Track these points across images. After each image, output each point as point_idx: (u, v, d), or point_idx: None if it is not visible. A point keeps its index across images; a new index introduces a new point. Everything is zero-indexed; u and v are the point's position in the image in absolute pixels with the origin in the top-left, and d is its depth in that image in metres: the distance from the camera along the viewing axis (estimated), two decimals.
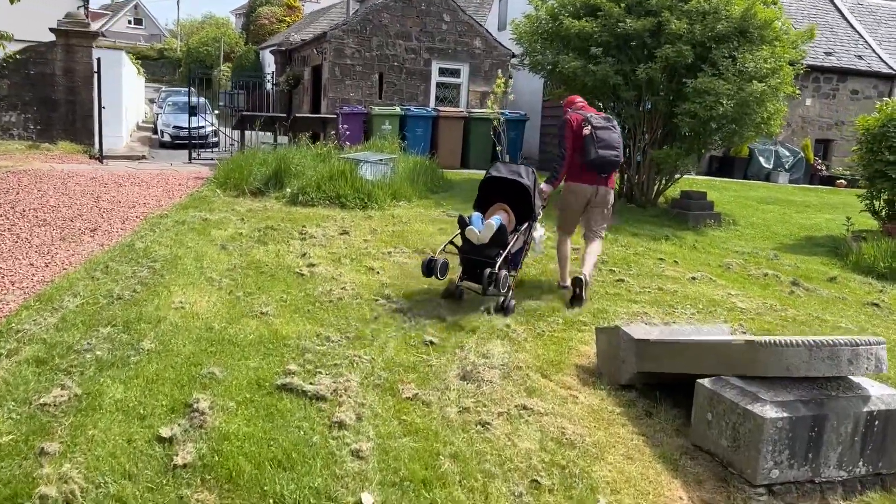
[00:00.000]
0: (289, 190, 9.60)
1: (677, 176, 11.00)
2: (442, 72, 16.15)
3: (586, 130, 6.02)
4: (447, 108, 15.50)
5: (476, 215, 5.80)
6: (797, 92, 10.86)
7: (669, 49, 9.71)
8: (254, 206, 9.26)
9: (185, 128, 16.53)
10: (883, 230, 9.36)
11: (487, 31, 17.12)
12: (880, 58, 19.52)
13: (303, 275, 6.20)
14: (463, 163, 15.48)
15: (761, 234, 10.24)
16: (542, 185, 6.17)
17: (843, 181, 17.79)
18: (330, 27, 16.07)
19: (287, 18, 41.95)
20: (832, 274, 8.09)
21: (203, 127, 18.18)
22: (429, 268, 5.51)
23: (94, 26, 48.29)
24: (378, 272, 6.50)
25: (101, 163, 14.27)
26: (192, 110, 16.93)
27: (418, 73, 15.85)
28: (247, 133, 14.56)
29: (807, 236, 10.36)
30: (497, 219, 5.62)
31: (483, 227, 5.53)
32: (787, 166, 17.49)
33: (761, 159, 17.30)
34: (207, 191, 10.23)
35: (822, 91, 18.53)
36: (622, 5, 10.20)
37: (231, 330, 4.75)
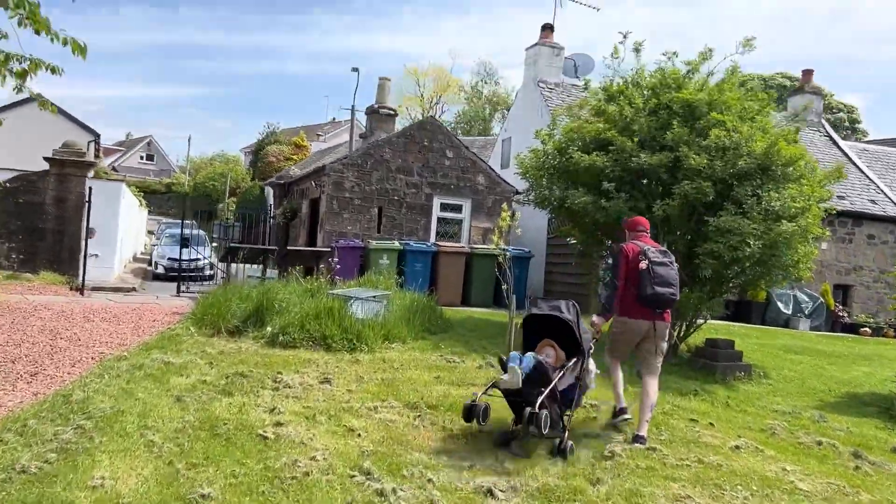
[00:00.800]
0: (269, 329, 8.61)
1: (699, 322, 10.03)
2: (443, 207, 15.62)
3: (643, 265, 5.86)
4: (448, 244, 14.83)
5: (514, 355, 5.48)
6: (827, 233, 10.10)
7: (688, 185, 9.04)
8: (228, 347, 8.22)
9: (183, 259, 15.83)
10: None
11: (490, 167, 16.77)
12: (893, 202, 19.10)
13: (266, 438, 5.07)
14: (464, 300, 14.57)
15: (798, 390, 9.10)
16: (594, 318, 5.98)
17: (867, 329, 16.78)
18: (330, 161, 15.72)
19: (294, 157, 42.70)
20: (894, 442, 6.91)
21: (197, 259, 17.50)
22: (470, 413, 5.24)
23: (107, 161, 49.14)
24: (359, 434, 5.38)
25: (82, 294, 13.39)
26: (185, 241, 16.28)
27: (419, 207, 15.31)
28: (240, 267, 13.78)
29: (848, 392, 9.21)
30: (529, 358, 5.40)
31: (508, 373, 5.26)
32: (806, 312, 16.55)
33: (780, 304, 16.40)
34: (181, 328, 9.23)
35: (838, 235, 17.93)
36: (635, 140, 9.64)
37: None
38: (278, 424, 5.39)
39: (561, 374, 5.45)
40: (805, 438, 6.64)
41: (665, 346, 6.20)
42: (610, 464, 5.28)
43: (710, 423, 6.78)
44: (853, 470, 5.83)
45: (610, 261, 6.38)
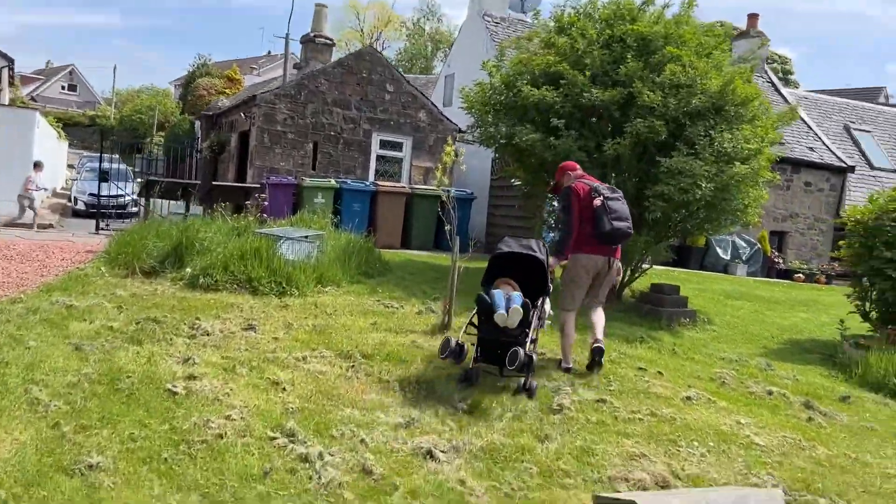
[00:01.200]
0: (189, 270, 7.87)
1: (644, 267, 9.73)
2: (383, 144, 14.86)
3: (597, 201, 5.88)
4: (388, 183, 14.14)
5: (498, 293, 5.36)
6: (777, 177, 9.87)
7: (641, 123, 8.58)
8: (142, 289, 7.47)
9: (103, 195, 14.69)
10: (887, 336, 8.17)
11: (433, 104, 16.02)
12: (830, 150, 19.25)
13: (175, 394, 4.46)
14: (404, 243, 14.01)
15: (742, 336, 8.95)
16: (550, 260, 5.90)
17: (801, 275, 17.01)
18: (262, 92, 14.69)
19: (227, 90, 40.66)
20: (841, 391, 6.76)
21: (121, 196, 16.34)
22: (468, 379, 5.25)
23: (24, 91, 45.97)
24: (284, 388, 4.82)
25: None
26: (104, 176, 15.11)
27: (357, 144, 14.51)
28: (165, 204, 12.80)
29: (790, 339, 9.11)
30: (518, 297, 5.31)
31: (511, 312, 5.13)
32: (744, 258, 16.62)
33: (718, 250, 16.40)
34: (91, 268, 8.39)
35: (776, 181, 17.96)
36: (587, 74, 9.09)
37: None
38: (191, 378, 4.77)
39: (537, 314, 5.47)
40: (755, 388, 6.40)
41: (617, 280, 6.14)
42: (558, 418, 4.89)
43: (659, 372, 6.46)
44: (806, 421, 5.60)
45: (561, 203, 6.28)
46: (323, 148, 14.21)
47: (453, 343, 5.30)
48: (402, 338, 6.49)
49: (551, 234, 12.07)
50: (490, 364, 5.36)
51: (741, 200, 8.81)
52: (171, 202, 11.79)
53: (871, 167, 20.55)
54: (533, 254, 5.62)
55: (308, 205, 13.19)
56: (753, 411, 5.68)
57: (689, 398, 5.71)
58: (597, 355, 5.96)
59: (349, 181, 13.67)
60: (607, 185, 6.41)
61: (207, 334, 5.92)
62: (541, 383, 5.55)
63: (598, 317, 6.22)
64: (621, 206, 5.96)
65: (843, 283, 17.88)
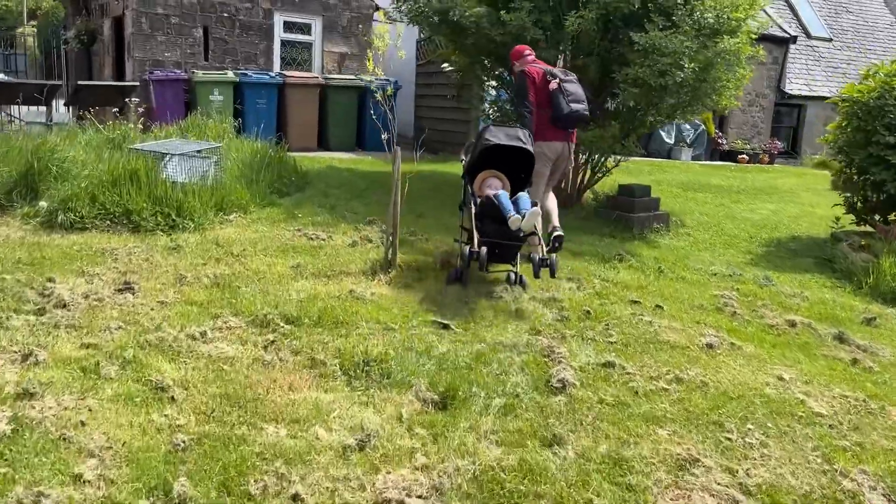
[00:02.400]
0: (44, 204, 6.00)
1: (611, 164, 8.37)
2: (288, 27, 12.62)
3: (553, 84, 5.86)
4: (297, 74, 12.07)
5: (503, 195, 5.13)
6: (761, 52, 8.51)
7: None
8: None
9: None
10: (887, 233, 7.20)
11: None
12: (772, 19, 18.06)
13: None
14: (321, 143, 12.18)
15: (721, 241, 7.85)
16: None
17: (745, 156, 16.16)
18: None
19: None
20: (859, 308, 5.76)
21: None
22: (459, 278, 5.17)
23: None
24: (174, 398, 3.29)
25: None
26: None
27: (256, 27, 12.25)
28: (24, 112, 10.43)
29: (771, 240, 8.09)
30: (527, 198, 5.18)
31: (529, 215, 4.93)
32: (688, 141, 15.57)
33: (663, 134, 15.26)
34: None
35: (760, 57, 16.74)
36: None
37: None
38: (25, 396, 3.16)
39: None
40: (771, 317, 5.29)
41: (569, 169, 6.25)
42: (563, 402, 3.58)
43: (658, 306, 5.24)
44: (851, 364, 4.52)
45: (516, 89, 6.35)
46: (215, 33, 11.91)
47: (456, 273, 5.16)
48: (336, 285, 4.98)
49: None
50: (499, 262, 5.18)
51: (726, 81, 7.44)
52: (32, 109, 9.51)
53: (809, 37, 19.61)
54: (525, 146, 5.28)
55: (203, 104, 11.08)
56: (787, 356, 4.55)
57: (709, 346, 4.51)
58: (556, 242, 5.75)
59: (250, 72, 11.55)
60: (560, 67, 6.35)
61: (64, 306, 4.24)
62: (524, 330, 4.22)
63: (552, 203, 6.15)
64: (577, 89, 5.89)
65: (785, 162, 17.24)
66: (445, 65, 10.75)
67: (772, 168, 15.51)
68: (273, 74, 11.84)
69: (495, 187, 5.28)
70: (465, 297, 4.97)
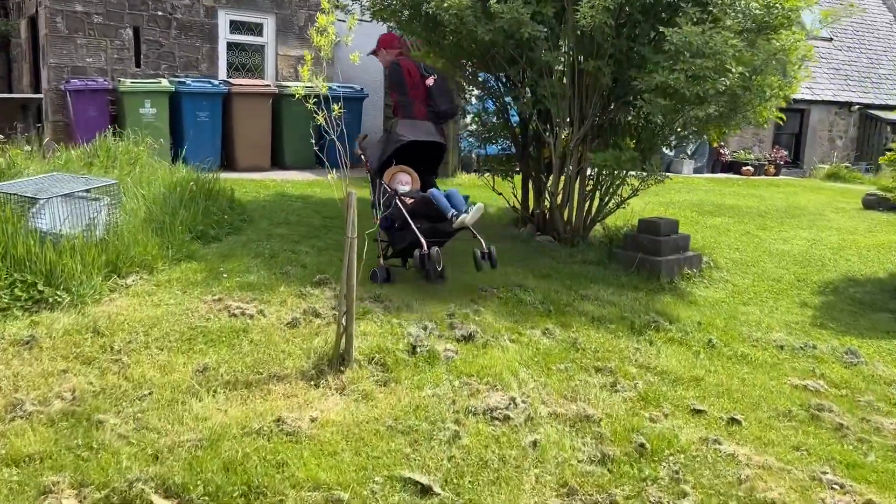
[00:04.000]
0: None
1: (627, 190, 6.74)
2: (235, 27, 10.87)
3: (430, 80, 5.96)
4: (246, 81, 10.34)
5: (438, 193, 5.08)
6: (812, 53, 6.95)
7: None
8: None
9: None
10: None
11: None
12: None
13: None
14: (275, 161, 10.45)
15: (765, 287, 6.29)
16: None
17: (750, 168, 14.71)
18: None
19: None
20: None
21: None
22: (386, 277, 5.07)
23: None
24: None
25: None
26: None
27: (198, 28, 10.48)
28: None
29: (824, 284, 6.54)
30: (456, 192, 5.19)
31: (475, 211, 4.90)
32: (689, 152, 14.08)
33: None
34: None
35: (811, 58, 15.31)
36: None
37: None
38: None
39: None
40: (889, 428, 3.71)
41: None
42: None
43: (733, 420, 3.63)
44: None
45: (391, 80, 6.33)
46: (148, 34, 10.11)
47: (382, 272, 5.02)
48: (259, 406, 3.29)
49: (476, 147, 8.89)
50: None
51: (776, 89, 5.88)
52: None
53: (808, 37, 18.26)
54: (437, 140, 5.32)
55: (132, 119, 9.31)
56: None
57: None
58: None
59: (189, 81, 9.78)
60: (423, 63, 6.43)
61: None
62: (550, 489, 2.59)
63: None
64: (446, 86, 6.05)
65: (789, 173, 15.83)
66: None
67: (780, 181, 14.06)
68: (216, 82, 10.09)
69: (405, 182, 5.25)
70: (453, 419, 3.32)
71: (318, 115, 3.86)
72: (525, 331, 4.52)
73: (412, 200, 5.00)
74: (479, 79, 7.53)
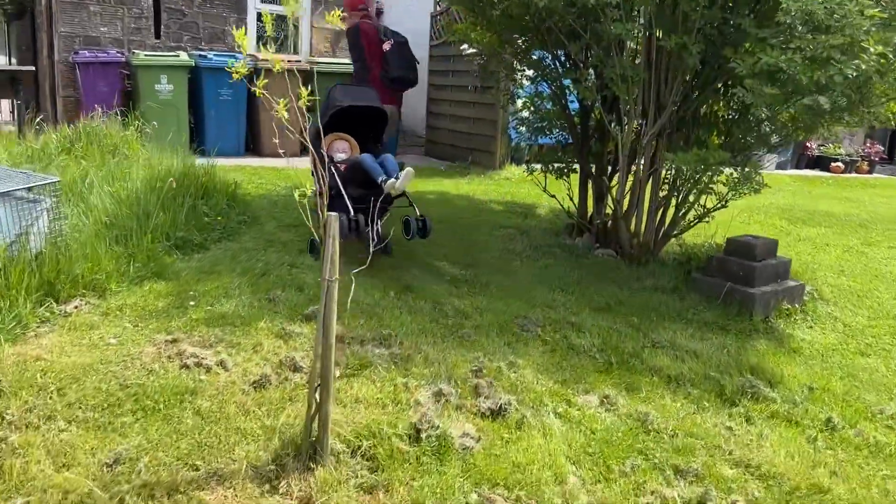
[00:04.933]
0: None
1: (713, 199, 5.44)
2: None
3: (387, 45, 5.93)
4: (277, 56, 9.33)
5: (368, 157, 4.83)
6: None
7: None
8: None
9: None
10: None
11: None
12: None
13: None
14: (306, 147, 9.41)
15: (886, 328, 4.94)
16: None
17: (840, 164, 13.06)
18: None
19: None
20: None
21: None
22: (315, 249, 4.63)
23: None
24: None
25: None
26: None
27: None
28: None
29: None
30: (392, 159, 4.90)
31: (404, 175, 4.60)
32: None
33: None
34: None
35: None
36: None
37: None
38: None
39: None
40: None
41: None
42: None
43: None
44: None
45: (349, 43, 6.12)
46: (170, 2, 9.16)
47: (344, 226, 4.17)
48: None
49: (520, 133, 7.63)
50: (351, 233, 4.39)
51: None
52: None
53: None
54: (376, 105, 5.09)
55: (146, 96, 8.41)
56: None
57: None
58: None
59: (211, 55, 8.81)
60: (390, 28, 6.36)
61: None
62: None
63: None
64: (407, 52, 5.90)
65: (887, 172, 14.06)
66: (465, 46, 7.90)
67: (876, 181, 12.40)
68: (241, 57, 9.07)
69: (342, 150, 5.12)
70: None
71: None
72: (577, 397, 3.35)
73: (344, 167, 4.84)
74: (533, 57, 6.31)
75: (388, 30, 6.14)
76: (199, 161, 5.71)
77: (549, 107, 6.47)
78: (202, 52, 8.90)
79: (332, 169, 4.56)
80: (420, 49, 11.83)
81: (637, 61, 5.14)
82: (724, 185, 5.28)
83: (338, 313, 2.58)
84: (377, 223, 4.61)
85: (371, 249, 3.54)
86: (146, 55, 8.49)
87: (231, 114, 8.83)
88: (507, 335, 3.94)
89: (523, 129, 7.01)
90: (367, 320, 3.85)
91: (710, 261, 5.11)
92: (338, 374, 3.08)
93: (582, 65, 5.67)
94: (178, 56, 8.64)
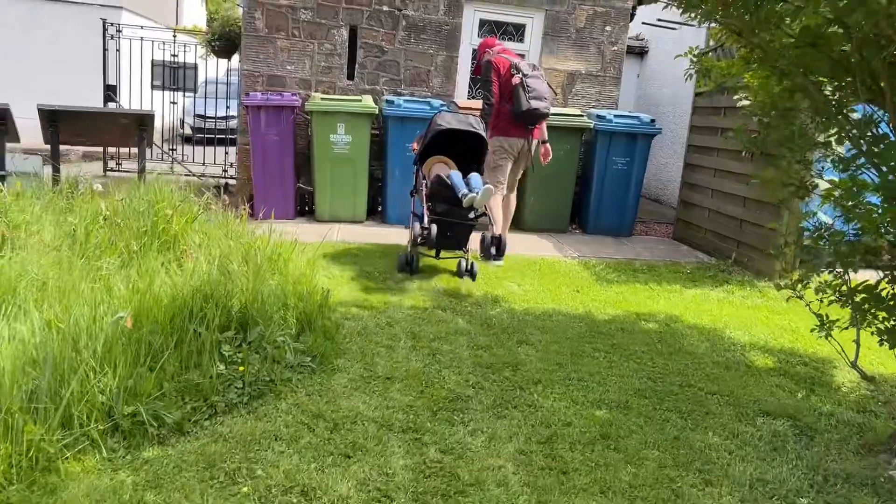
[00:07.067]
0: None
1: None
2: (486, 28, 7.86)
3: (516, 79, 5.62)
4: (479, 105, 7.30)
5: (455, 174, 5.13)
6: None
7: None
8: None
9: None
10: None
11: None
12: None
13: None
14: (516, 219, 7.21)
15: None
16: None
17: None
18: None
19: None
20: None
21: None
22: (408, 263, 5.04)
23: None
24: None
25: None
26: None
27: (433, 29, 7.69)
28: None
29: None
30: (478, 178, 5.15)
31: (483, 192, 4.84)
32: None
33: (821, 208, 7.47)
34: None
35: None
36: None
37: None
38: None
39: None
40: None
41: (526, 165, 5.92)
42: None
43: None
44: None
45: (482, 78, 5.73)
46: (367, 37, 7.59)
47: (405, 257, 5.03)
48: None
49: (829, 216, 4.50)
50: (441, 248, 5.15)
51: None
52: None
53: None
54: (475, 130, 5.27)
55: (320, 148, 6.86)
56: None
57: None
58: (496, 241, 5.19)
59: (400, 100, 7.02)
60: (528, 62, 6.19)
61: None
62: None
63: (506, 209, 5.91)
64: (539, 85, 5.65)
65: None
66: (739, 96, 5.09)
67: None
68: (439, 105, 7.17)
69: (440, 172, 5.21)
70: None
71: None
72: None
73: (431, 180, 5.06)
74: (854, 116, 3.39)
75: (521, 63, 5.69)
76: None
77: (870, 200, 3.47)
78: (389, 98, 7.15)
79: (424, 186, 4.96)
80: (680, 98, 9.07)
81: None
82: None
83: None
84: (466, 245, 5.04)
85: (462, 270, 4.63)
86: (322, 98, 6.93)
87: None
88: None
89: (820, 228, 4.02)
90: None
91: None
92: None
93: None
94: (359, 100, 6.96)
